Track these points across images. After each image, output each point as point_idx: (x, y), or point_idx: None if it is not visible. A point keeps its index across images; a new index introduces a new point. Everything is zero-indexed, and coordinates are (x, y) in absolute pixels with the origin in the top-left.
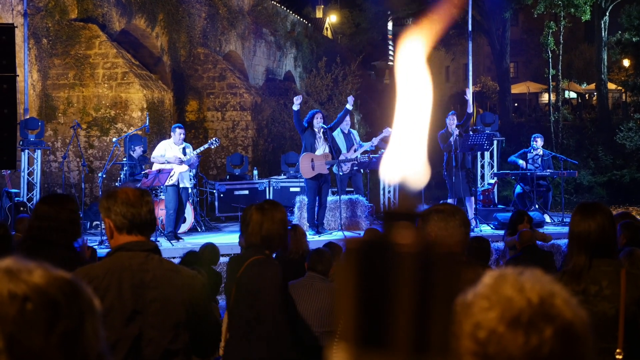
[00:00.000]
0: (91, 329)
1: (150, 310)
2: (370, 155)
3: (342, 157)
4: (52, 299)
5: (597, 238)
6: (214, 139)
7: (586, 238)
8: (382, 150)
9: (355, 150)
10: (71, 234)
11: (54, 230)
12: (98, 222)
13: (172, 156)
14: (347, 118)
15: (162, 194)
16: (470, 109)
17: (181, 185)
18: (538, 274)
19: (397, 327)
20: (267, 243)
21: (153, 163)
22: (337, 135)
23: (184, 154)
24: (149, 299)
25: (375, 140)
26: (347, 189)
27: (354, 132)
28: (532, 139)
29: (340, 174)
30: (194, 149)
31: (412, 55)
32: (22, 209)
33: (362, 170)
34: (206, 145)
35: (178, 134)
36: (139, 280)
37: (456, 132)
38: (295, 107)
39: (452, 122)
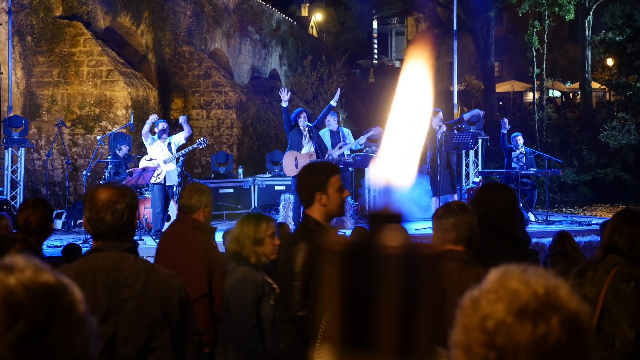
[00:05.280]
0: (60, 335)
1: (124, 308)
2: (356, 155)
3: (326, 156)
4: (17, 300)
5: (623, 246)
6: (202, 139)
7: (614, 246)
8: (368, 148)
9: (340, 148)
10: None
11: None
12: (82, 221)
13: (156, 154)
14: (333, 118)
15: (147, 192)
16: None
17: (168, 183)
18: (540, 270)
19: (382, 329)
20: None
21: (140, 160)
22: (325, 132)
23: (169, 149)
24: (123, 298)
25: (362, 139)
26: None
27: (346, 130)
28: (512, 138)
29: None
30: (181, 150)
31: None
32: (5, 207)
33: (350, 170)
34: (195, 145)
35: (159, 126)
36: (113, 280)
37: (443, 129)
38: (284, 104)
39: (437, 120)
